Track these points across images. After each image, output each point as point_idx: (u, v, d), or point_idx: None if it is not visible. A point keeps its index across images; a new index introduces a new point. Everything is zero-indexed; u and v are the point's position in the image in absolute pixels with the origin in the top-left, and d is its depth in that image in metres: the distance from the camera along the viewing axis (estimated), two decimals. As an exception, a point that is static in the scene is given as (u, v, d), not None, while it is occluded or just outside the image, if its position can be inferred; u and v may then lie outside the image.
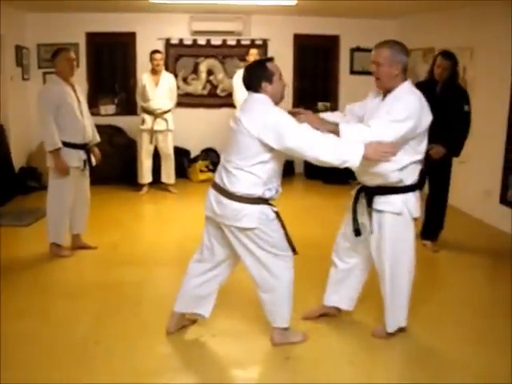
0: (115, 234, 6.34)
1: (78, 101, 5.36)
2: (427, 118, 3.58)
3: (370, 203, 3.72)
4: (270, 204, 3.58)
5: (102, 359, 3.60)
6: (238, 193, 3.47)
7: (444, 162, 5.57)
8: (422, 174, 3.87)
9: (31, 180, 8.14)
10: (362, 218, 3.80)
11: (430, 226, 5.87)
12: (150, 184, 8.38)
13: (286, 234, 3.63)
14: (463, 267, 5.47)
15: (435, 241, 5.90)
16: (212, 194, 3.62)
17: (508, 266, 5.51)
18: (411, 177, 3.65)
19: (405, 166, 3.57)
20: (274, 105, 3.54)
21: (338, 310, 4.19)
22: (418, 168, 3.69)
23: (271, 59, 3.69)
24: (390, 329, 3.87)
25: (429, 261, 5.49)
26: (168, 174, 8.39)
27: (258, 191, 3.48)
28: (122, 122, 9.30)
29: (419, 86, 5.34)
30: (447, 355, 3.71)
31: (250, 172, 3.46)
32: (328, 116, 3.87)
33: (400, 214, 3.65)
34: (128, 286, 4.83)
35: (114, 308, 4.38)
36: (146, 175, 8.30)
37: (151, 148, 8.22)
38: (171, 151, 8.29)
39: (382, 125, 3.45)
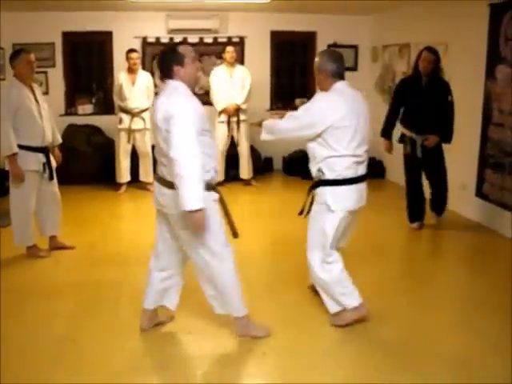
0: (93, 233, 6.32)
1: (37, 103, 5.30)
2: (332, 116, 3.79)
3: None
4: (213, 189, 3.60)
5: (79, 358, 3.61)
6: None
7: (436, 148, 6.20)
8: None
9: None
10: None
11: (437, 202, 6.56)
12: (129, 183, 8.38)
13: (230, 220, 3.68)
14: (441, 259, 5.55)
15: (441, 215, 6.62)
16: (156, 186, 3.68)
17: (484, 257, 5.61)
18: (332, 171, 3.86)
19: (321, 160, 3.88)
20: (187, 93, 3.50)
21: None
22: (341, 164, 3.86)
23: (184, 43, 3.69)
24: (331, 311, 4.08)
25: (407, 253, 5.55)
26: (146, 173, 8.37)
27: None
28: (100, 121, 9.26)
29: (405, 81, 6.47)
30: (425, 346, 3.76)
31: None
32: None
33: (322, 204, 3.94)
34: (105, 284, 4.83)
35: (91, 307, 4.38)
36: (124, 174, 8.29)
37: (129, 147, 8.21)
38: (149, 150, 8.25)
39: (285, 118, 4.02)
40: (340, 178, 3.86)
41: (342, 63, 3.98)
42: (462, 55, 6.88)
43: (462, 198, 7.00)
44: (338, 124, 3.77)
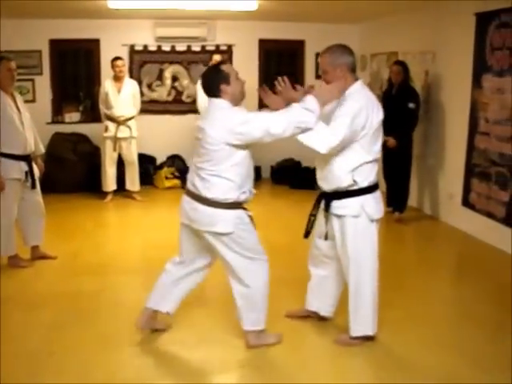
0: (77, 242, 6.24)
1: (19, 111, 5.24)
2: (376, 117, 3.62)
3: (327, 208, 3.72)
4: (243, 208, 3.62)
5: (55, 371, 3.52)
6: (214, 198, 3.50)
7: (399, 151, 6.89)
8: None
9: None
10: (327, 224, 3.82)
11: (399, 200, 7.12)
12: (115, 192, 8.30)
13: None
14: (428, 269, 5.48)
15: (403, 212, 7.12)
16: (185, 201, 3.65)
17: (471, 267, 5.57)
18: (367, 178, 3.63)
19: (356, 166, 3.58)
20: (233, 107, 3.58)
21: (319, 315, 4.17)
22: (374, 169, 3.68)
23: (225, 62, 3.73)
24: (354, 333, 3.82)
25: (393, 263, 5.49)
26: (132, 182, 8.29)
27: (233, 195, 3.51)
28: (87, 129, 9.19)
29: (384, 92, 7.21)
30: (412, 362, 3.69)
31: (226, 178, 3.49)
32: None
33: (358, 216, 3.64)
34: (86, 295, 4.75)
35: (71, 318, 4.30)
36: (110, 183, 8.21)
37: (115, 155, 8.13)
38: (135, 158, 8.21)
39: (335, 123, 3.51)
40: (372, 184, 3.67)
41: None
42: (449, 64, 6.88)
43: (449, 208, 6.99)
44: (376, 126, 3.61)
